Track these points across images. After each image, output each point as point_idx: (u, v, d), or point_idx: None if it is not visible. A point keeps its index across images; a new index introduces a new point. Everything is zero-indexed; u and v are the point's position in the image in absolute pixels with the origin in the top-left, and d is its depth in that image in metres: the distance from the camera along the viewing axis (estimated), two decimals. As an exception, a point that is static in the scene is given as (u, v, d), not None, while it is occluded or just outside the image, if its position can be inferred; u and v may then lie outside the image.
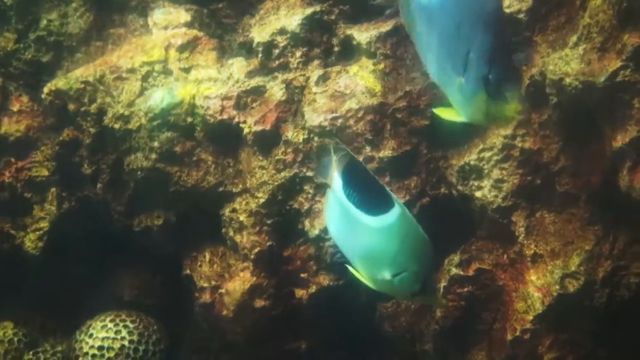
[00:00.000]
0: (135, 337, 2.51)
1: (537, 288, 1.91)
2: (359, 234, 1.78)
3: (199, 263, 2.47)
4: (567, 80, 1.80)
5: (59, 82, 2.54)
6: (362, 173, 1.80)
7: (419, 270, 1.72)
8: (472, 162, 2.06)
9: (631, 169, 1.72)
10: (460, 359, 2.06)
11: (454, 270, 2.06)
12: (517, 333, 1.93)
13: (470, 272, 2.05)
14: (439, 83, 1.64)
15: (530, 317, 1.91)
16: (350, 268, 1.83)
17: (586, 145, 1.91)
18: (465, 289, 2.05)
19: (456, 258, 2.08)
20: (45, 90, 2.55)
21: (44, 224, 2.54)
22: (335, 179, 1.83)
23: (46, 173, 2.57)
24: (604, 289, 1.84)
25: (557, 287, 1.87)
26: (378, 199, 1.74)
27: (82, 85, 2.51)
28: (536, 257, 1.95)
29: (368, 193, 1.77)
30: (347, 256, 1.85)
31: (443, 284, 2.07)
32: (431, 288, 1.77)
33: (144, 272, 2.73)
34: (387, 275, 1.73)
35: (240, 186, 2.35)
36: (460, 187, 2.09)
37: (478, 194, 2.05)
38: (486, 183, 2.04)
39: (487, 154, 2.05)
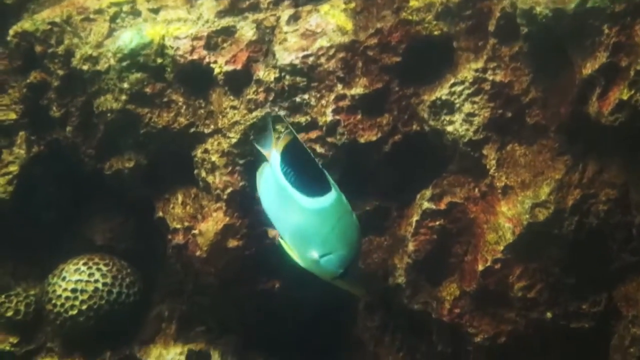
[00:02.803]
0: (108, 280, 2.51)
1: (507, 219, 1.93)
2: (292, 212, 1.82)
3: (171, 205, 2.46)
4: (538, 9, 1.80)
5: (25, 24, 2.51)
6: (303, 154, 1.82)
7: (345, 255, 1.78)
8: (443, 97, 2.07)
9: (600, 96, 1.74)
10: (432, 291, 2.07)
11: (426, 205, 2.07)
12: (488, 263, 1.94)
13: (442, 206, 2.06)
14: None
15: (501, 248, 1.93)
16: (282, 242, 1.86)
17: (556, 76, 1.92)
18: (437, 223, 2.06)
19: (428, 192, 2.09)
20: (11, 32, 2.52)
21: (14, 168, 2.51)
22: (274, 155, 1.87)
23: (14, 116, 2.53)
24: (573, 217, 1.87)
25: (527, 216, 1.89)
26: (315, 181, 1.79)
27: (49, 27, 2.47)
28: (507, 188, 1.96)
29: (306, 174, 1.81)
30: (279, 231, 1.90)
31: (415, 218, 2.08)
32: (353, 274, 1.82)
33: (117, 216, 2.72)
34: (315, 254, 1.79)
35: (212, 127, 2.34)
36: (431, 123, 2.10)
37: (449, 128, 2.06)
38: (457, 117, 2.05)
39: (458, 88, 2.05)
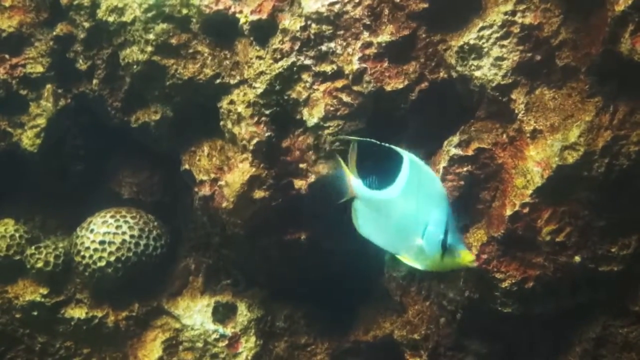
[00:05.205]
0: (136, 232, 2.53)
1: (536, 162, 1.91)
2: (392, 214, 1.79)
3: (197, 157, 2.46)
4: (569, -56, 1.77)
5: (50, -24, 2.51)
6: (368, 152, 1.80)
7: (439, 215, 1.74)
8: (471, 42, 2.04)
9: (633, 33, 1.70)
10: (460, 238, 2.06)
11: (453, 151, 2.05)
12: (516, 208, 1.92)
13: (470, 152, 2.04)
14: None
15: (529, 192, 1.91)
16: (401, 258, 1.82)
17: (587, 16, 1.88)
18: (465, 169, 2.04)
19: (455, 139, 2.06)
20: (37, -16, 2.52)
21: (41, 121, 2.52)
22: (355, 183, 1.85)
23: (41, 69, 2.54)
24: (603, 159, 1.84)
25: (557, 159, 1.87)
26: (389, 163, 1.77)
27: (74, -22, 2.47)
28: (535, 132, 1.94)
29: (381, 166, 1.79)
30: (396, 250, 1.84)
31: (442, 164, 2.06)
32: (454, 237, 1.76)
33: (143, 169, 2.74)
34: (419, 240, 1.75)
35: (238, 77, 2.33)
36: (459, 68, 2.08)
37: (477, 73, 2.04)
38: (486, 62, 2.02)
39: (486, 32, 2.02)
